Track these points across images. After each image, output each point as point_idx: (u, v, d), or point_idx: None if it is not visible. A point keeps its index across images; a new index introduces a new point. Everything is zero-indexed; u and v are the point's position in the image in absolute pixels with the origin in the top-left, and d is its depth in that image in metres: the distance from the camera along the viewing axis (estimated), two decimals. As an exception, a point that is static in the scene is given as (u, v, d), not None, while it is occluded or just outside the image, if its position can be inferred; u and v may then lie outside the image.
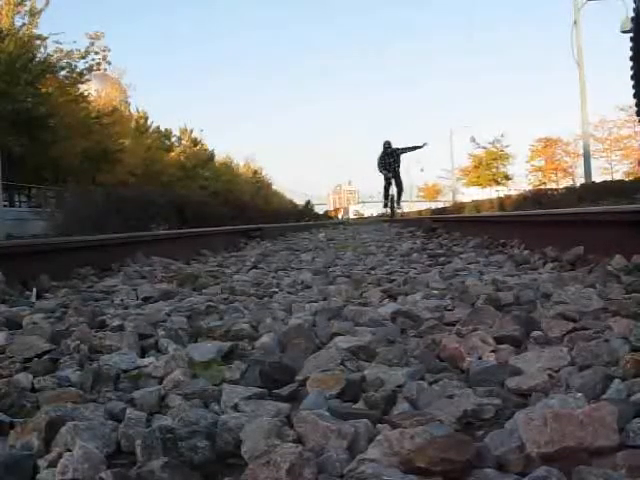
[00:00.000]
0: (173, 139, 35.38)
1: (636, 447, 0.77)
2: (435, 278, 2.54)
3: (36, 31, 19.85)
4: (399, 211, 18.48)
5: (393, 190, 18.08)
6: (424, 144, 18.13)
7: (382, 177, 18.06)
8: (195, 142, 36.37)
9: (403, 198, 18.80)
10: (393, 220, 15.49)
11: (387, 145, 17.98)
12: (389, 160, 17.67)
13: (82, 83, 21.81)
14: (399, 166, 17.82)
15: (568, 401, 0.88)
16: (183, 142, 35.59)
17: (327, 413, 0.92)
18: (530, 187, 34.36)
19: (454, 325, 1.53)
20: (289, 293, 2.47)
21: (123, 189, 14.70)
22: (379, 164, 17.85)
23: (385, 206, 18.98)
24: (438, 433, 0.80)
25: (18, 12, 19.51)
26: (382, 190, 18.36)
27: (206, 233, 6.82)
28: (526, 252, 3.42)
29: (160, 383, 1.19)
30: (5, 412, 1.02)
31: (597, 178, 24.06)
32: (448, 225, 6.91)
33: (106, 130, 23.18)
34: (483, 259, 3.48)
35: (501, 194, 28.46)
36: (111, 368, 1.25)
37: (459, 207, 25.09)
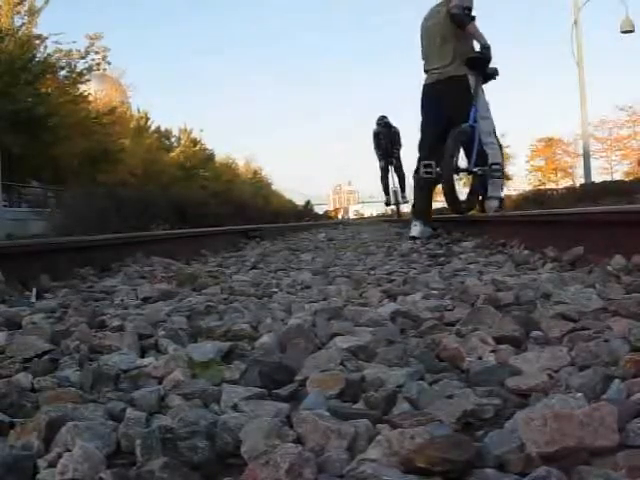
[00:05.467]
0: (173, 139, 35.43)
1: (636, 447, 0.77)
2: (435, 278, 2.54)
3: (36, 31, 19.89)
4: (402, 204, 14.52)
5: (393, 181, 14.42)
6: None
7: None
8: (195, 142, 36.38)
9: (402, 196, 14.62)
10: (394, 220, 14.32)
11: (380, 122, 13.63)
12: (384, 141, 13.66)
13: (82, 83, 21.85)
14: (398, 150, 13.93)
15: (568, 401, 0.88)
16: (183, 142, 35.61)
17: (327, 413, 0.92)
18: (530, 187, 34.40)
19: (454, 325, 1.53)
20: (289, 293, 2.46)
21: (123, 189, 14.72)
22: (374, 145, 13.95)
23: (387, 204, 15.34)
24: (438, 433, 0.80)
25: (17, 12, 19.54)
26: (382, 192, 15.02)
27: (206, 233, 6.82)
28: (526, 252, 3.41)
29: (160, 383, 1.19)
30: (5, 412, 1.02)
31: (597, 178, 24.11)
32: (448, 225, 6.90)
33: (106, 130, 23.21)
34: (483, 259, 3.47)
35: (501, 194, 28.40)
36: (111, 368, 1.25)
37: (459, 207, 25.00)
